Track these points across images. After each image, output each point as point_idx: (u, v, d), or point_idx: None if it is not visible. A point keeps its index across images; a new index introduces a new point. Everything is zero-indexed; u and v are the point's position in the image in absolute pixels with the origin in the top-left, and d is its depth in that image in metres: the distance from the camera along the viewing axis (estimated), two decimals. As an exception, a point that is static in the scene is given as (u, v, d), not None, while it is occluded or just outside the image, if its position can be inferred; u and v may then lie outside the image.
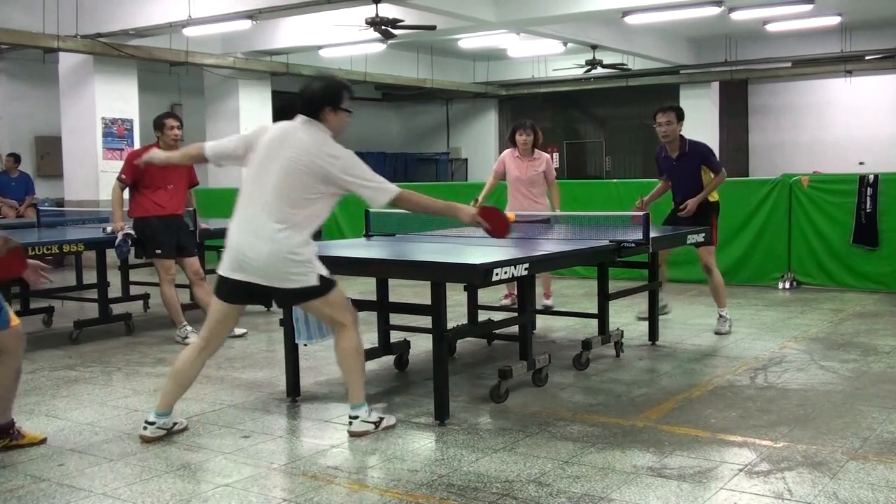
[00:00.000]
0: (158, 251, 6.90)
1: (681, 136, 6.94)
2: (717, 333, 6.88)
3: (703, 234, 6.71)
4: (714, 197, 6.96)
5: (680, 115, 6.90)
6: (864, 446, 4.10)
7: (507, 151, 8.27)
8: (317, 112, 4.27)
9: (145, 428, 4.39)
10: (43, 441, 4.40)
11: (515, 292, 8.20)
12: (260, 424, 4.67)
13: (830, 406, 4.82)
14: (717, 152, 20.19)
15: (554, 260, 5.37)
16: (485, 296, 6.49)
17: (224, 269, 4.25)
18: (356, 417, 4.42)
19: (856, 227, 8.86)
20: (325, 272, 4.26)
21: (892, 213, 8.70)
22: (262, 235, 4.12)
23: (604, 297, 6.09)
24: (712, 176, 6.87)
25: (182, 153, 4.84)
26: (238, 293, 4.28)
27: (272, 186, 4.16)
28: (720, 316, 6.99)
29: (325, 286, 4.27)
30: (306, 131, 4.24)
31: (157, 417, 4.40)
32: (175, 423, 4.48)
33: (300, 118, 4.30)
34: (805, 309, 7.94)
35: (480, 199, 7.95)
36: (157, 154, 5.00)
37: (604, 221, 7.07)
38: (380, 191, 4.19)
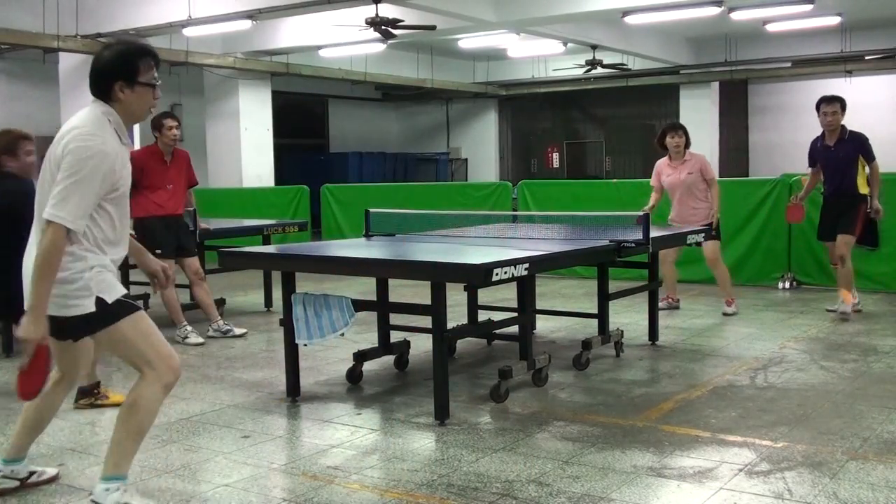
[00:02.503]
0: (158, 251, 6.89)
1: (842, 125, 7.29)
2: (841, 318, 7.24)
3: (703, 234, 6.72)
4: (864, 190, 7.27)
5: (843, 106, 7.28)
6: (864, 446, 4.10)
7: (659, 161, 7.88)
8: (107, 90, 3.26)
9: None
10: None
11: (673, 296, 7.94)
12: (260, 424, 4.67)
13: (830, 406, 4.82)
14: (717, 152, 20.13)
15: (554, 260, 5.37)
16: (485, 296, 6.49)
17: None
18: (107, 490, 3.28)
19: (856, 227, 8.86)
20: (110, 295, 3.23)
21: (893, 213, 8.68)
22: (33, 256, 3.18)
23: (604, 297, 6.09)
24: (866, 164, 7.25)
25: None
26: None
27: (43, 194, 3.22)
28: (842, 301, 7.33)
29: (110, 314, 3.23)
30: (78, 116, 3.29)
31: (4, 465, 3.65)
32: (33, 473, 3.73)
33: (91, 100, 3.32)
34: (805, 309, 7.94)
35: (648, 209, 7.46)
36: None
37: (604, 221, 7.07)
38: (53, 206, 3.06)
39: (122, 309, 3.26)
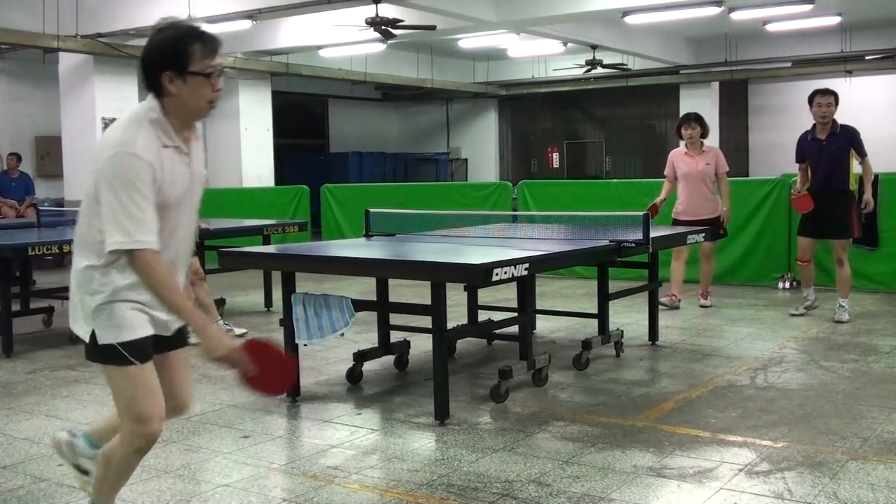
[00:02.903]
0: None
1: (833, 119, 7.28)
2: (837, 321, 7.22)
3: (704, 234, 6.71)
4: (852, 186, 7.28)
5: (837, 99, 7.30)
6: (864, 446, 4.10)
7: (674, 151, 8.23)
8: (156, 82, 2.80)
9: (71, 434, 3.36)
10: None
11: (677, 294, 8.02)
12: (260, 424, 4.67)
13: (830, 406, 4.82)
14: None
15: (554, 260, 5.37)
16: (485, 296, 6.49)
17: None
18: None
19: (856, 227, 8.86)
20: (102, 335, 2.83)
21: (893, 213, 8.69)
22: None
23: (604, 297, 6.09)
24: (858, 159, 7.26)
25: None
26: None
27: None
28: (841, 305, 7.35)
29: (99, 353, 2.85)
30: (123, 117, 2.86)
31: (88, 445, 3.30)
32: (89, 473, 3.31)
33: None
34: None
35: (659, 203, 7.88)
36: None
37: (604, 221, 7.07)
38: (119, 234, 2.68)
39: (113, 355, 2.81)
